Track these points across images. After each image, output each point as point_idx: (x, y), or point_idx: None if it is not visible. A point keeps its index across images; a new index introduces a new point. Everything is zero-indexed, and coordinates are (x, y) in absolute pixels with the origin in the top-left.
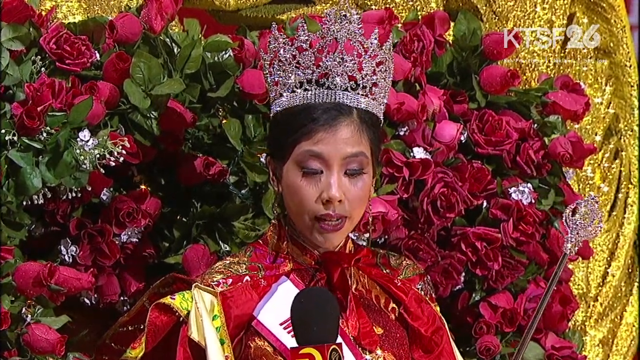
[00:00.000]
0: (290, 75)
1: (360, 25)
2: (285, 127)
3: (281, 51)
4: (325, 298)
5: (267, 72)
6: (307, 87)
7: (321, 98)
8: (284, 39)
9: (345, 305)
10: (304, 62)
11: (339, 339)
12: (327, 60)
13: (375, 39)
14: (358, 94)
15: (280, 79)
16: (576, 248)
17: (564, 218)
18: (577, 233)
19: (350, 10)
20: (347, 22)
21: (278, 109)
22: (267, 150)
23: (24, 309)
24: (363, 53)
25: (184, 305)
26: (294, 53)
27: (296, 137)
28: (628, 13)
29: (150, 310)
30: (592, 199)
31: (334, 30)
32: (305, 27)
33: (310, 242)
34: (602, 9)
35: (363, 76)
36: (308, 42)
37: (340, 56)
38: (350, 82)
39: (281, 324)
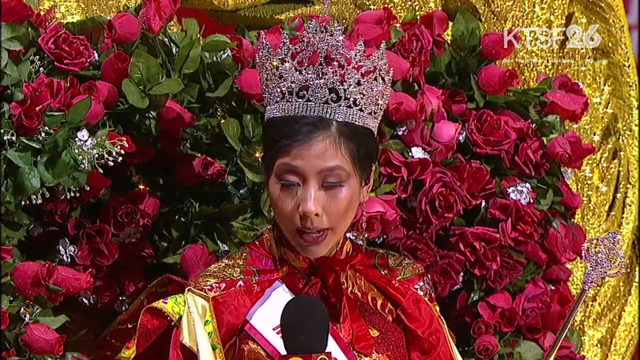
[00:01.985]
0: (273, 85)
1: (342, 37)
2: (268, 140)
3: (266, 62)
4: (314, 307)
5: (259, 80)
6: (289, 99)
7: (301, 111)
8: (268, 49)
9: (340, 310)
10: (285, 74)
11: (332, 346)
12: (306, 73)
13: (360, 49)
14: (340, 105)
15: (267, 88)
16: (594, 284)
17: (583, 253)
18: (598, 270)
19: (332, 21)
20: (328, 35)
21: (268, 116)
22: (261, 158)
23: (22, 309)
24: (345, 65)
25: (176, 309)
26: (276, 64)
27: (274, 152)
28: (627, 13)
29: (142, 314)
30: (614, 236)
31: (313, 43)
32: (288, 39)
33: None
34: (600, 9)
35: (346, 88)
36: (290, 54)
37: (320, 68)
38: (331, 95)
39: (274, 329)
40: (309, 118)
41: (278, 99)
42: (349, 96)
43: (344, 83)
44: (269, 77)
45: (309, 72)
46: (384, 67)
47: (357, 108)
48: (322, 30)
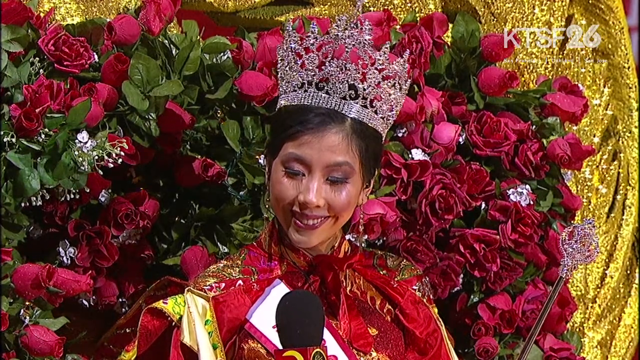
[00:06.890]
0: (294, 73)
1: (371, 36)
2: (279, 125)
3: (290, 48)
4: (310, 301)
5: (278, 66)
6: (307, 89)
7: (318, 101)
8: (295, 36)
9: (339, 308)
10: (308, 63)
11: (330, 343)
12: (329, 65)
13: (386, 52)
14: (357, 103)
15: (286, 75)
16: (572, 272)
17: (560, 242)
18: (574, 257)
19: (363, 19)
20: (357, 31)
21: (281, 104)
22: (266, 143)
23: (22, 311)
24: (369, 64)
25: (176, 309)
26: (300, 52)
27: (284, 137)
28: (627, 15)
29: (142, 315)
30: (589, 222)
31: (341, 37)
32: (317, 30)
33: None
34: (600, 11)
35: (365, 87)
36: (316, 44)
37: (344, 63)
38: (350, 91)
39: (274, 327)
40: (324, 109)
41: (296, 87)
42: (366, 96)
43: (365, 82)
44: (291, 64)
45: (332, 65)
46: (404, 75)
47: (372, 110)
48: (352, 26)
